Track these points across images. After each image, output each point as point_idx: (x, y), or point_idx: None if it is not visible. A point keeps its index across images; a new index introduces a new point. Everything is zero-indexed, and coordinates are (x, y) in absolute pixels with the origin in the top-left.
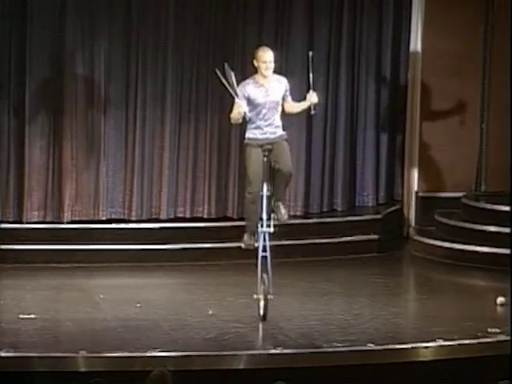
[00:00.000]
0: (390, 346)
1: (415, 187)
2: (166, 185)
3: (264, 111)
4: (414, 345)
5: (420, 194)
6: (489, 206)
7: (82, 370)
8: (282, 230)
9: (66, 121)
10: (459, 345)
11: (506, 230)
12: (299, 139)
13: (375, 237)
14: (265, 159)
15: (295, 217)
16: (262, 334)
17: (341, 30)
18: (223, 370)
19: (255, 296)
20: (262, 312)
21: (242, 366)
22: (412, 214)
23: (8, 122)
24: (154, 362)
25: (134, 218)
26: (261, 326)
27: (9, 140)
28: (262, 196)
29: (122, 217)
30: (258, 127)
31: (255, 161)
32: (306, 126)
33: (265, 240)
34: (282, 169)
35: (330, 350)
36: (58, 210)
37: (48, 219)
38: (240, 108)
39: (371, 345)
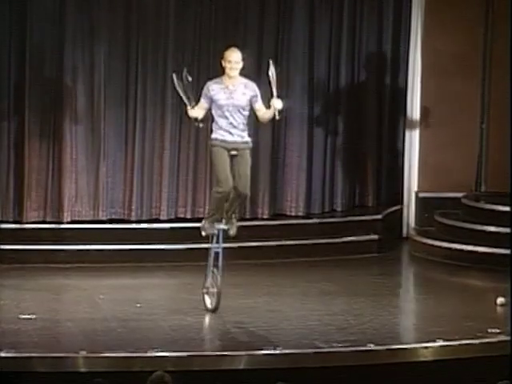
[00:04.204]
0: (390, 346)
1: (415, 187)
2: (166, 185)
3: (227, 113)
4: (414, 345)
5: (420, 194)
6: (489, 206)
7: (82, 370)
8: (282, 230)
9: (66, 121)
10: (459, 345)
11: (506, 230)
12: (300, 139)
13: (375, 237)
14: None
15: (297, 217)
16: (262, 334)
17: (341, 30)
18: (223, 370)
19: (204, 290)
20: (212, 305)
21: (241, 366)
22: (412, 214)
23: (8, 122)
24: (154, 362)
25: (133, 219)
26: (261, 326)
27: (9, 140)
28: None
29: (122, 217)
30: (223, 128)
31: (223, 161)
32: (307, 125)
33: (219, 236)
34: (240, 189)
35: (330, 350)
36: (57, 210)
37: (48, 219)
38: (192, 114)
39: (371, 345)
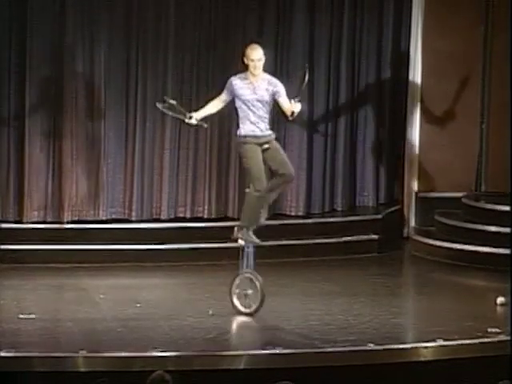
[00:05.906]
0: (390, 346)
1: (415, 187)
2: (166, 185)
3: (253, 108)
4: (414, 345)
5: (420, 194)
6: (489, 206)
7: (82, 370)
8: (282, 230)
9: (66, 121)
10: (459, 345)
11: (506, 229)
12: (300, 140)
13: (375, 237)
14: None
15: (297, 217)
16: (262, 334)
17: (341, 30)
18: (223, 369)
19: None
20: (252, 307)
21: (241, 366)
22: (412, 214)
23: (8, 122)
24: (154, 362)
25: (134, 219)
26: (261, 326)
27: (9, 140)
28: None
29: (122, 217)
30: (252, 123)
31: (257, 158)
32: (307, 126)
33: (248, 250)
34: (286, 173)
35: (330, 350)
36: (57, 210)
37: (48, 219)
38: (192, 122)
39: (371, 345)
